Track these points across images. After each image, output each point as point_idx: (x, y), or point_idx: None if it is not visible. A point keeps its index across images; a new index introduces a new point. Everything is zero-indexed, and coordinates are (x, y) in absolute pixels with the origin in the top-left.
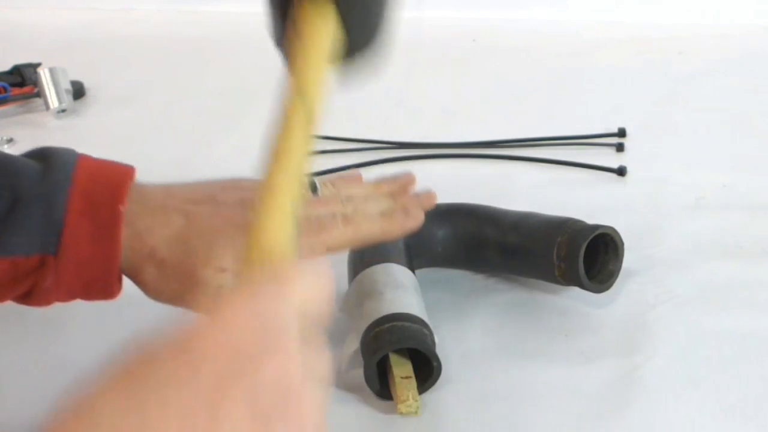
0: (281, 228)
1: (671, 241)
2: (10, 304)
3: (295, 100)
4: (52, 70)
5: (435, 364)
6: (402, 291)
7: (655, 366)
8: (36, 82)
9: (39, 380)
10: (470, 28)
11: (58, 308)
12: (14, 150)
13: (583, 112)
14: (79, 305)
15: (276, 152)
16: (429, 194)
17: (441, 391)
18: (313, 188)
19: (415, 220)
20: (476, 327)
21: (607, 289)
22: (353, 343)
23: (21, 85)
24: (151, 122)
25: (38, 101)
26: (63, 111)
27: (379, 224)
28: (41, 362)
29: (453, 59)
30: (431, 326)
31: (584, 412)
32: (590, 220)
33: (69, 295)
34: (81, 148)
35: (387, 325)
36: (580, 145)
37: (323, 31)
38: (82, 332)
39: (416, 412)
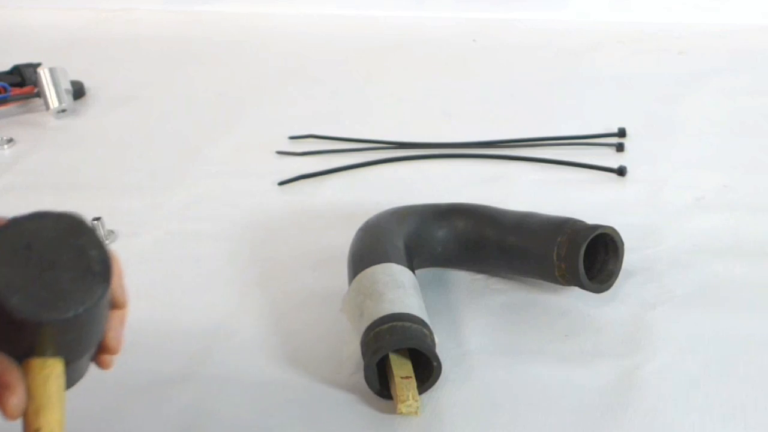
0: None
1: (671, 241)
2: None
3: None
4: (52, 70)
5: (435, 364)
6: (402, 291)
7: (655, 366)
8: (36, 82)
9: None
10: (470, 28)
11: None
12: (14, 150)
13: (583, 111)
14: None
15: None
16: None
17: (441, 391)
18: None
19: None
20: (476, 327)
21: (607, 289)
22: (353, 343)
23: (21, 85)
24: (151, 122)
25: (38, 101)
26: (63, 111)
27: None
28: None
29: (453, 59)
30: (431, 326)
31: (584, 412)
32: (590, 220)
33: None
34: (81, 148)
35: (387, 325)
36: (580, 145)
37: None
38: None
39: (416, 412)
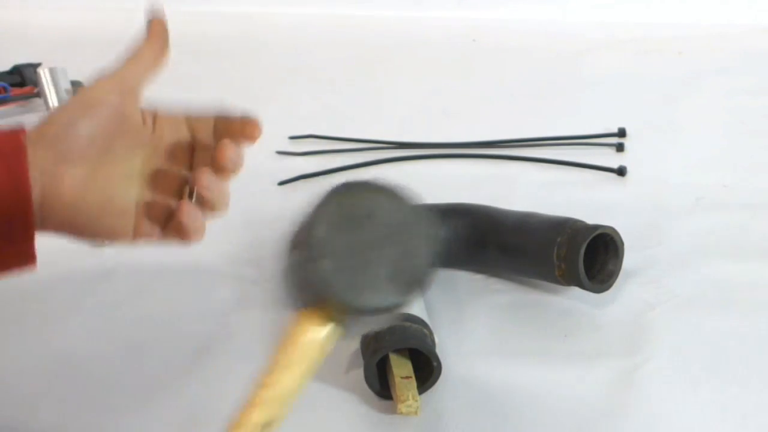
0: None
1: (671, 241)
2: (8, 299)
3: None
4: (52, 70)
5: (435, 364)
6: None
7: (655, 366)
8: (36, 82)
9: (39, 375)
10: (470, 28)
11: (57, 302)
12: None
13: (584, 112)
14: (78, 299)
15: None
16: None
17: (441, 391)
18: None
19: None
20: (476, 327)
21: (607, 289)
22: (353, 343)
23: (21, 85)
24: None
25: (38, 101)
26: None
27: None
28: (42, 357)
29: (453, 59)
30: (431, 326)
31: (584, 412)
32: (590, 220)
33: None
34: None
35: (387, 326)
36: (580, 145)
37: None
38: (81, 327)
39: (416, 412)
